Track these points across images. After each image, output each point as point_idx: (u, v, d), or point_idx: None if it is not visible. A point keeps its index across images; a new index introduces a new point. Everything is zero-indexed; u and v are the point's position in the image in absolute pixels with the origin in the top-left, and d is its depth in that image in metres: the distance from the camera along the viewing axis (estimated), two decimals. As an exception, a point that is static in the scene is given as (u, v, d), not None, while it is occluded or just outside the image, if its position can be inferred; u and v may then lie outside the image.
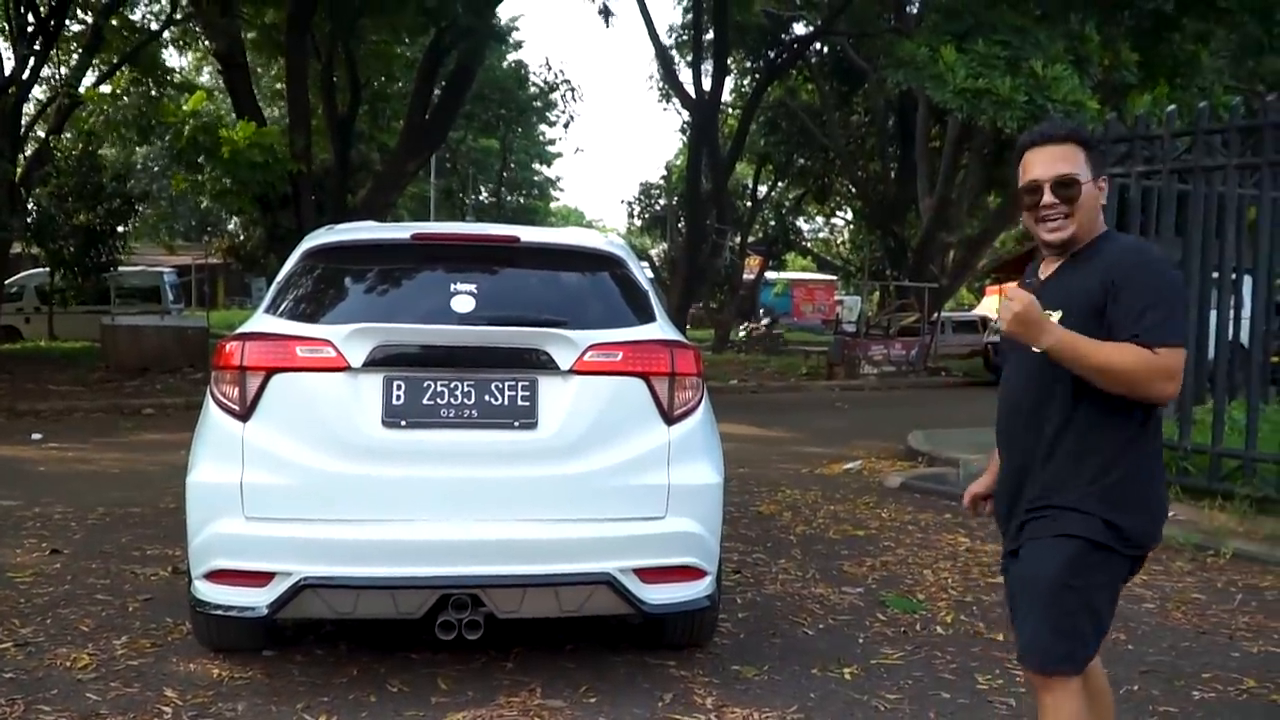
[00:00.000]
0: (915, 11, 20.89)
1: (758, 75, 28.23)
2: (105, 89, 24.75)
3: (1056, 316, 2.87)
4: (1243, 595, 6.14)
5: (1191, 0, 13.50)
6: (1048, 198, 2.97)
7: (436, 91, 23.04)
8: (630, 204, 39.05)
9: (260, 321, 4.56)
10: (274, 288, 4.76)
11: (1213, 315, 7.82)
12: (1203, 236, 7.76)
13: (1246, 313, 8.22)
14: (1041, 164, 2.99)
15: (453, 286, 4.53)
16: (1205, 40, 14.37)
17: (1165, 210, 7.89)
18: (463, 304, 4.46)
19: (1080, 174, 2.96)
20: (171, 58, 29.25)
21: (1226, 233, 7.85)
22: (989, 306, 35.10)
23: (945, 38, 11.99)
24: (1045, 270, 3.11)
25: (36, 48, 22.15)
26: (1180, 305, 2.85)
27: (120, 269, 27.28)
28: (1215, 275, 7.85)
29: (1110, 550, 2.89)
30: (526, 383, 4.35)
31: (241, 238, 31.82)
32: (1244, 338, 8.26)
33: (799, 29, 27.43)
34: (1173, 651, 5.14)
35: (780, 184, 36.13)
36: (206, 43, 22.82)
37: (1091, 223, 3.00)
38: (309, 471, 4.26)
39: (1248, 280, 8.30)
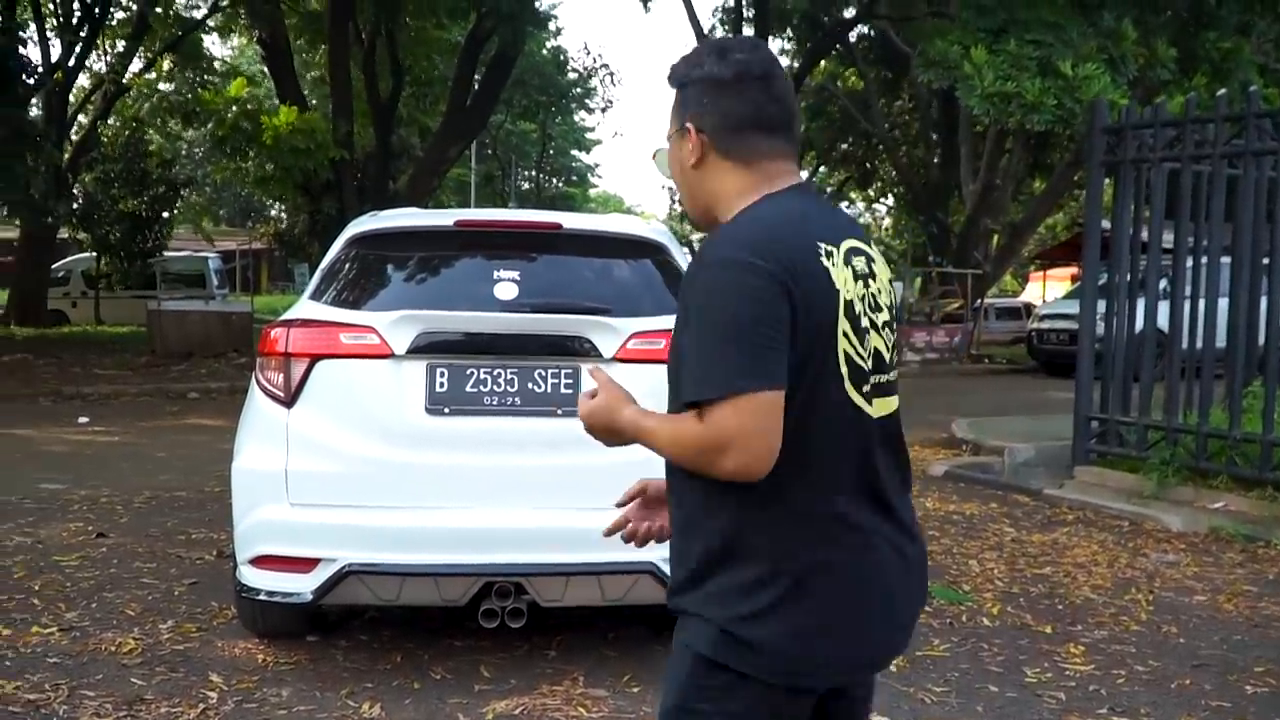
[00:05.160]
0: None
1: (799, 60, 28.08)
2: (150, 76, 25.02)
3: None
4: (1295, 587, 6.05)
5: None
6: None
7: (477, 77, 23.06)
8: (671, 189, 38.92)
9: (305, 308, 4.56)
10: (318, 274, 4.77)
11: (1263, 301, 7.69)
12: (1254, 222, 7.64)
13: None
14: None
15: (496, 273, 4.51)
16: (1246, 32, 14.11)
17: (1215, 195, 7.77)
18: (506, 291, 4.44)
19: (670, 131, 2.13)
20: (214, 45, 29.47)
21: (1278, 218, 7.72)
22: (1033, 293, 34.81)
23: (980, 35, 11.83)
24: None
25: (82, 34, 22.36)
26: (725, 330, 1.83)
27: (166, 254, 27.56)
28: (1266, 261, 7.72)
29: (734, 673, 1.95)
30: (569, 370, 4.34)
31: (286, 223, 32.04)
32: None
33: (842, 14, 27.19)
34: (1224, 645, 5.07)
35: (822, 169, 35.93)
36: (250, 29, 22.95)
37: (688, 193, 2.12)
38: (353, 458, 4.28)
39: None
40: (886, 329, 2.04)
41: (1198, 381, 7.96)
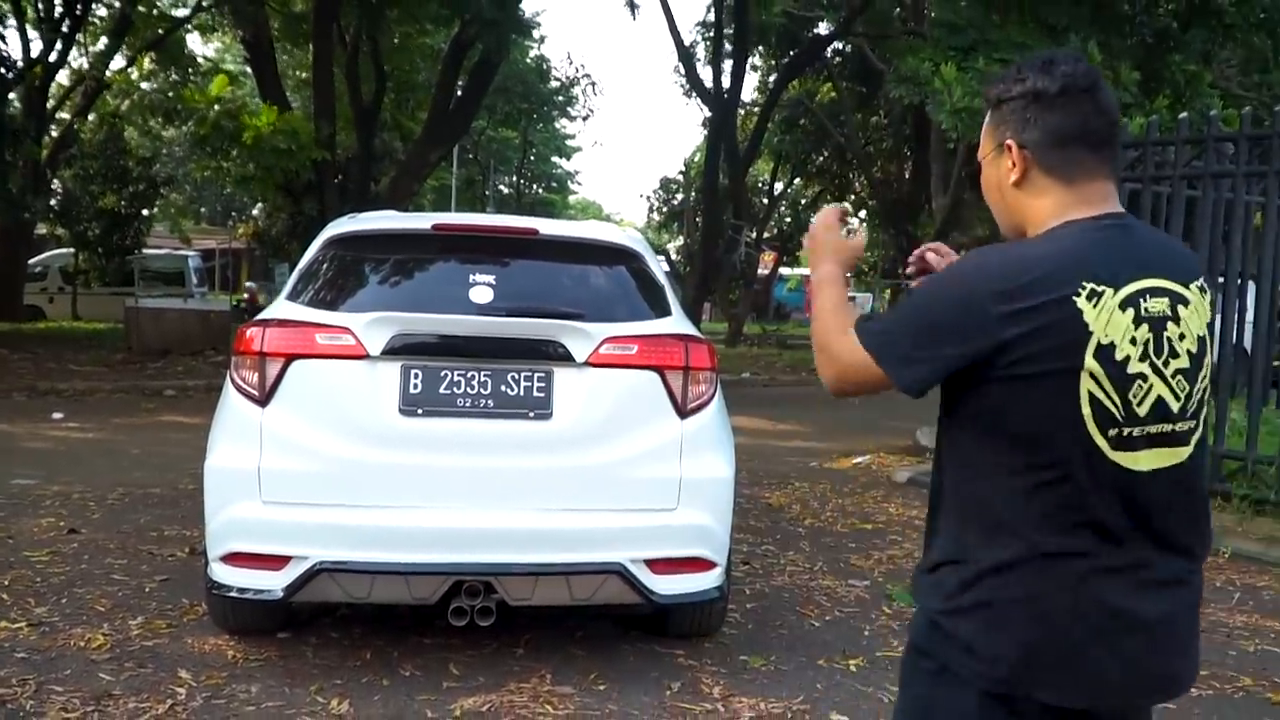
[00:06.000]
0: (932, 14, 20.94)
1: (775, 75, 28.29)
2: (132, 73, 24.96)
3: None
4: (1240, 594, 6.18)
5: (1197, 17, 13.48)
6: None
7: (460, 82, 23.13)
8: (649, 198, 39.03)
9: (281, 308, 4.63)
10: (295, 275, 4.84)
11: (1217, 319, 7.85)
12: (1210, 242, 7.81)
13: (1250, 317, 8.25)
14: None
15: (471, 277, 4.60)
16: (1209, 59, 14.29)
17: (1174, 216, 7.93)
18: (481, 295, 4.53)
19: (985, 152, 2.15)
20: (197, 44, 29.44)
21: (1233, 239, 7.89)
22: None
23: (950, 53, 12.00)
24: None
25: (64, 30, 22.30)
26: (903, 320, 2.04)
27: (145, 251, 27.50)
28: (1221, 280, 7.89)
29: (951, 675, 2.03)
30: (542, 374, 4.43)
31: (266, 222, 32.03)
32: (1247, 342, 8.28)
33: (820, 29, 27.42)
34: (1173, 652, 5.18)
35: (796, 181, 36.12)
36: (233, 28, 22.97)
37: (1005, 212, 2.13)
38: (326, 457, 4.34)
39: (1252, 285, 8.33)
40: (1181, 376, 1.95)
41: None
